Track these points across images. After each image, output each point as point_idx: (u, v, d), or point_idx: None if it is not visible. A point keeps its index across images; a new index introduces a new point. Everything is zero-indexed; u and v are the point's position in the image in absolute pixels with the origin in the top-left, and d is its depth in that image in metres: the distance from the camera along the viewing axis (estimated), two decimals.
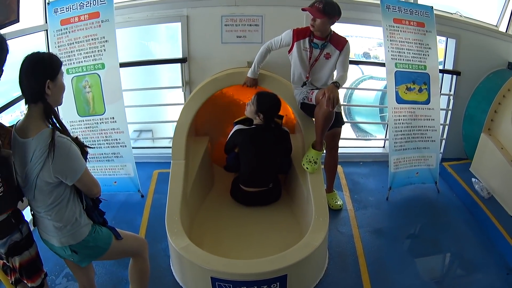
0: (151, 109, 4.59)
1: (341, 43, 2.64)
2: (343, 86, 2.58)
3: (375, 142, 5.38)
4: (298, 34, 2.66)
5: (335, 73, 2.72)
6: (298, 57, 2.68)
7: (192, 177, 2.75)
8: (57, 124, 1.55)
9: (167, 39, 4.61)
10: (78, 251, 1.67)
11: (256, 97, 2.69)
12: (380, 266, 2.57)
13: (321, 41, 2.64)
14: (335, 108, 2.43)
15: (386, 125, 4.06)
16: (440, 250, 2.76)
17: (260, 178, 2.77)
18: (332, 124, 2.56)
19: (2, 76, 1.55)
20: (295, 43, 2.66)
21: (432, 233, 2.91)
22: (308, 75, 2.73)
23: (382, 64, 3.42)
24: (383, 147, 4.15)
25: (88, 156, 1.65)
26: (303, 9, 2.60)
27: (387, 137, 3.86)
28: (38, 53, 1.54)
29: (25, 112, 1.57)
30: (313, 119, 2.66)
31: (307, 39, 2.65)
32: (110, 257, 1.88)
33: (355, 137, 7.10)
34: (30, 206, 1.66)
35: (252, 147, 2.72)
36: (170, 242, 2.25)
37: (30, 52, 1.53)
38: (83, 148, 1.61)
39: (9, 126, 1.85)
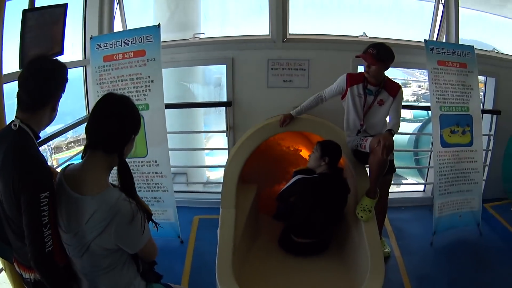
0: (186, 152, 4.26)
1: (394, 89, 2.59)
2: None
3: (413, 185, 5.29)
4: (352, 80, 2.62)
5: (387, 119, 2.67)
6: (352, 103, 2.64)
7: (241, 226, 2.64)
8: (127, 186, 1.38)
9: (209, 81, 4.55)
10: None
11: (319, 144, 2.62)
12: None
13: (375, 87, 2.60)
14: (389, 156, 2.37)
15: (427, 169, 4.02)
16: None
17: (316, 229, 2.65)
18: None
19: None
20: (348, 89, 2.62)
21: (478, 277, 2.84)
22: (362, 122, 2.67)
23: (426, 108, 3.36)
24: (423, 191, 4.04)
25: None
26: (357, 56, 2.57)
27: (428, 181, 3.85)
28: (129, 99, 1.38)
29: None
30: (366, 167, 2.60)
31: (361, 85, 2.61)
32: None
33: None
34: (74, 266, 1.45)
35: (312, 198, 2.59)
36: None
37: (116, 93, 1.39)
38: (147, 212, 1.47)
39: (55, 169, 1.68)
